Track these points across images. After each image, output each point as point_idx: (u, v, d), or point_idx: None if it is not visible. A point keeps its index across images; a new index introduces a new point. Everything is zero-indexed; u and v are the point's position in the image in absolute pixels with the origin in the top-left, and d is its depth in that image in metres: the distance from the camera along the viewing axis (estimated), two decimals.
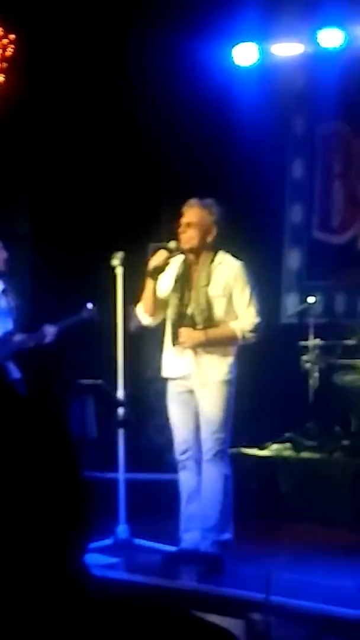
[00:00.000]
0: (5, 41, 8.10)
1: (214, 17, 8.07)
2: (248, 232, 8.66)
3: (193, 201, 5.95)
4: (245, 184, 8.55)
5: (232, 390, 5.94)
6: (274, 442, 7.95)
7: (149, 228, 8.43)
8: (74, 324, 6.99)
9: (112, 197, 8.12)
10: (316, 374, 7.89)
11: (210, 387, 5.87)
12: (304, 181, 9.06)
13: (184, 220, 5.91)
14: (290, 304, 8.87)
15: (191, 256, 5.94)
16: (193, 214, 5.91)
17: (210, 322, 5.83)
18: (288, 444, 7.90)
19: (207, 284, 5.85)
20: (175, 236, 5.99)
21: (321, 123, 8.91)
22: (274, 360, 8.33)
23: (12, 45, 8.12)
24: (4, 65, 8.12)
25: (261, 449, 7.91)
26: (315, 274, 8.85)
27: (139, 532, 6.24)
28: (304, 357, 7.95)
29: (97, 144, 8.21)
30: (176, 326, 5.88)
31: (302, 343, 8.00)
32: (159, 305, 6.01)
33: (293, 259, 9.06)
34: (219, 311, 5.85)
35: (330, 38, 8.20)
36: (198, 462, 5.89)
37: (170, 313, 5.93)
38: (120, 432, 6.49)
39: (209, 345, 5.86)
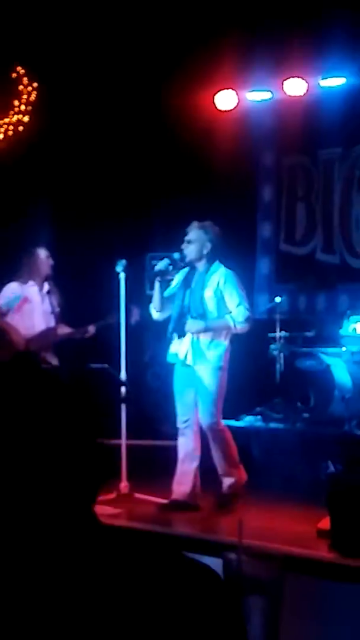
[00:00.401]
0: (29, 88, 8.09)
1: (201, 70, 8.07)
2: (227, 244, 8.73)
3: (194, 223, 6.13)
4: (225, 206, 8.55)
5: (224, 374, 6.06)
6: (247, 415, 8.01)
7: (145, 243, 8.52)
8: (106, 325, 7.05)
9: (118, 217, 8.13)
10: (282, 360, 7.94)
11: (206, 371, 5.98)
12: (272, 203, 9.07)
13: (186, 237, 6.08)
14: (261, 302, 8.84)
15: (192, 265, 6.10)
16: (193, 233, 6.08)
17: (203, 317, 5.96)
18: (259, 417, 7.94)
19: (203, 288, 6.00)
20: (176, 249, 6.16)
21: (286, 156, 8.92)
22: (248, 348, 8.30)
23: (35, 92, 8.11)
24: (29, 108, 8.12)
25: (237, 420, 7.92)
26: (281, 278, 8.88)
27: (137, 487, 6.30)
28: (272, 346, 8.00)
29: (106, 174, 8.22)
30: (178, 320, 6.02)
31: (271, 334, 8.02)
32: (165, 303, 6.14)
33: (264, 266, 9.07)
34: (210, 309, 5.98)
35: (294, 87, 8.21)
36: (194, 430, 6.05)
37: (174, 309, 6.06)
38: (123, 407, 6.57)
39: (208, 332, 5.98)
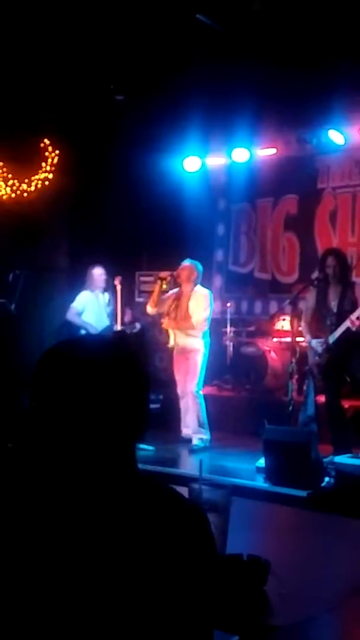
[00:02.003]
0: (53, 154, 8.06)
1: (173, 141, 8.08)
2: None
3: (186, 260, 6.39)
4: (191, 239, 8.60)
5: (201, 357, 6.27)
6: (206, 385, 8.01)
7: (135, 265, 8.51)
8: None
9: (117, 247, 8.08)
10: (231, 348, 7.98)
11: (189, 354, 6.21)
12: (224, 236, 9.06)
13: (180, 268, 6.33)
14: (216, 307, 8.87)
15: (182, 286, 6.33)
16: (186, 266, 6.30)
17: (185, 319, 6.23)
18: (215, 387, 7.96)
19: (187, 302, 6.24)
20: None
21: (234, 203, 8.92)
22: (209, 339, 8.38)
23: (57, 157, 8.08)
24: (53, 168, 8.09)
25: None
26: (230, 289, 8.89)
27: None
28: (224, 338, 8.03)
29: (108, 216, 8.17)
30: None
31: (223, 329, 8.07)
32: (160, 303, 6.28)
33: (218, 281, 9.06)
34: (190, 315, 6.22)
35: (240, 155, 8.23)
36: (186, 397, 6.33)
37: (169, 315, 6.30)
38: None
39: (182, 328, 6.27)
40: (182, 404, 6.36)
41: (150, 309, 6.37)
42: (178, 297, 6.30)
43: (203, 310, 6.21)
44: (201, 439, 6.21)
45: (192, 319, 6.18)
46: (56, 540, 1.06)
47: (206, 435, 6.28)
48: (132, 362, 1.16)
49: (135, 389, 1.14)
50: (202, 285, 6.41)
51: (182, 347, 6.29)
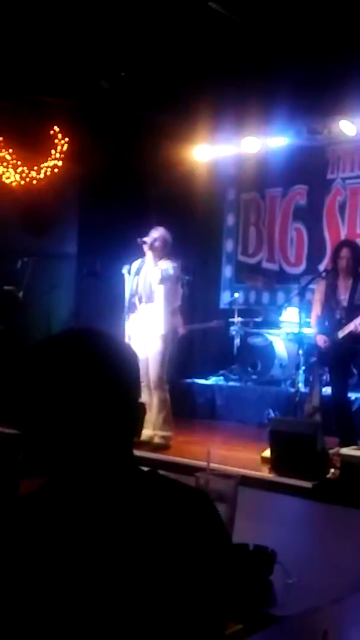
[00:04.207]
0: (62, 142, 8.04)
1: (183, 130, 8.04)
2: (203, 257, 8.80)
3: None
4: (200, 229, 8.59)
5: (168, 342, 5.62)
6: (213, 376, 8.04)
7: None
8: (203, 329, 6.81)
9: (128, 236, 8.05)
10: (238, 338, 7.96)
11: (151, 337, 5.60)
12: (233, 227, 9.02)
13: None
14: (225, 297, 8.87)
15: None
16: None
17: None
18: (221, 377, 7.98)
19: None
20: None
21: (244, 193, 8.88)
22: (215, 330, 8.38)
23: (66, 144, 8.06)
24: (62, 155, 8.07)
25: (206, 379, 7.98)
26: (239, 280, 8.86)
27: None
28: (232, 328, 8.02)
29: (117, 206, 8.11)
30: None
31: (231, 319, 8.05)
32: None
33: (227, 271, 9.04)
34: None
35: (250, 144, 8.18)
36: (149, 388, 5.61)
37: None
38: None
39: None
40: (144, 397, 5.92)
41: None
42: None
43: None
44: (161, 436, 5.64)
45: None
46: (65, 537, 1.05)
47: (168, 432, 5.69)
48: (132, 354, 1.15)
49: (135, 381, 1.13)
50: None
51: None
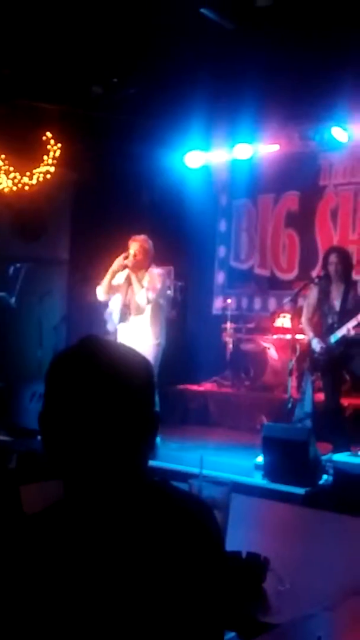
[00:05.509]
0: (54, 148, 8.04)
1: (175, 136, 8.05)
2: (195, 262, 8.80)
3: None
4: (192, 234, 8.59)
5: (158, 350, 5.62)
6: (206, 382, 8.04)
7: None
8: None
9: (117, 242, 8.09)
10: (231, 344, 7.97)
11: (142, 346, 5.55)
12: (225, 233, 9.03)
13: None
14: (217, 303, 8.88)
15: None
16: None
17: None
18: (214, 383, 7.98)
19: None
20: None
21: (235, 199, 8.90)
22: (208, 336, 8.39)
23: (58, 150, 8.06)
24: (54, 161, 8.07)
25: (199, 385, 7.98)
26: (231, 285, 8.87)
27: None
28: (224, 334, 8.03)
29: (109, 212, 8.13)
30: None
31: (223, 326, 8.06)
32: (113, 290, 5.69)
33: (219, 277, 9.04)
34: None
35: (242, 151, 8.20)
36: None
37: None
38: None
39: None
40: None
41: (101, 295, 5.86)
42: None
43: None
44: None
45: None
46: (75, 550, 1.05)
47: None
48: (147, 364, 1.13)
49: (149, 391, 1.11)
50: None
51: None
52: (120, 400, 1.05)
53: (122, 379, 1.07)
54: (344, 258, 5.69)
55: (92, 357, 1.07)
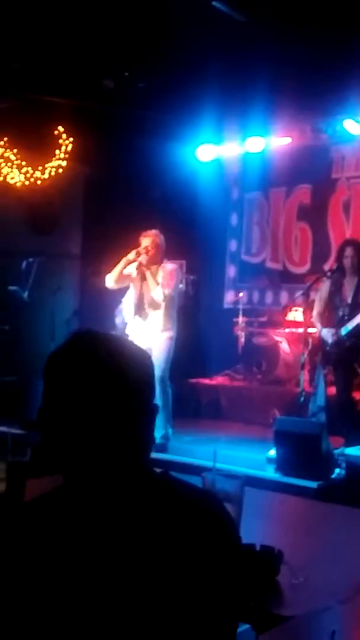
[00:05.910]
0: (66, 142, 8.05)
1: (187, 129, 8.04)
2: (207, 256, 8.78)
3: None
4: (204, 228, 8.58)
5: (171, 342, 5.59)
6: (217, 375, 8.03)
7: None
8: None
9: (129, 236, 8.09)
10: (243, 337, 7.95)
11: (155, 339, 5.58)
12: (237, 226, 9.01)
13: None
14: (229, 297, 8.87)
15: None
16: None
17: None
18: (226, 377, 7.98)
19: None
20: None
21: (247, 192, 8.87)
22: (219, 329, 8.38)
23: (70, 144, 8.07)
24: (66, 155, 8.08)
25: (211, 379, 7.98)
26: (242, 279, 8.85)
27: None
28: (236, 328, 8.02)
29: (121, 206, 8.12)
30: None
31: (235, 319, 8.05)
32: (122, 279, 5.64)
33: (231, 271, 9.04)
34: None
35: (254, 144, 8.17)
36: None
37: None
38: None
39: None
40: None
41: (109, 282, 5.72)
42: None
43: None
44: (160, 436, 5.54)
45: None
46: (75, 540, 1.04)
47: (169, 430, 5.62)
48: (143, 356, 1.13)
49: (146, 382, 1.11)
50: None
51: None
52: (116, 392, 1.05)
53: (118, 370, 1.06)
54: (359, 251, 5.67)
55: (87, 351, 1.07)
